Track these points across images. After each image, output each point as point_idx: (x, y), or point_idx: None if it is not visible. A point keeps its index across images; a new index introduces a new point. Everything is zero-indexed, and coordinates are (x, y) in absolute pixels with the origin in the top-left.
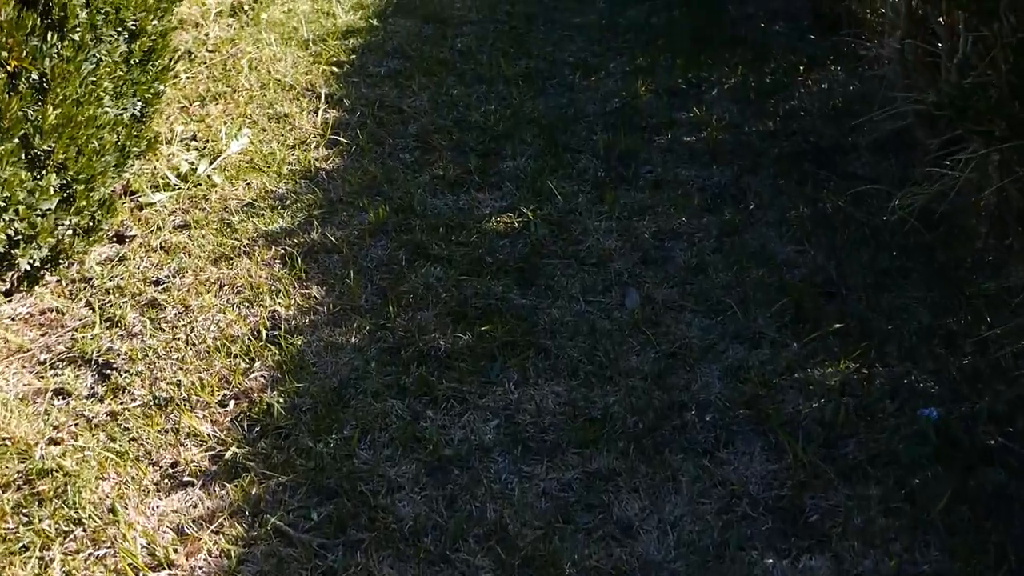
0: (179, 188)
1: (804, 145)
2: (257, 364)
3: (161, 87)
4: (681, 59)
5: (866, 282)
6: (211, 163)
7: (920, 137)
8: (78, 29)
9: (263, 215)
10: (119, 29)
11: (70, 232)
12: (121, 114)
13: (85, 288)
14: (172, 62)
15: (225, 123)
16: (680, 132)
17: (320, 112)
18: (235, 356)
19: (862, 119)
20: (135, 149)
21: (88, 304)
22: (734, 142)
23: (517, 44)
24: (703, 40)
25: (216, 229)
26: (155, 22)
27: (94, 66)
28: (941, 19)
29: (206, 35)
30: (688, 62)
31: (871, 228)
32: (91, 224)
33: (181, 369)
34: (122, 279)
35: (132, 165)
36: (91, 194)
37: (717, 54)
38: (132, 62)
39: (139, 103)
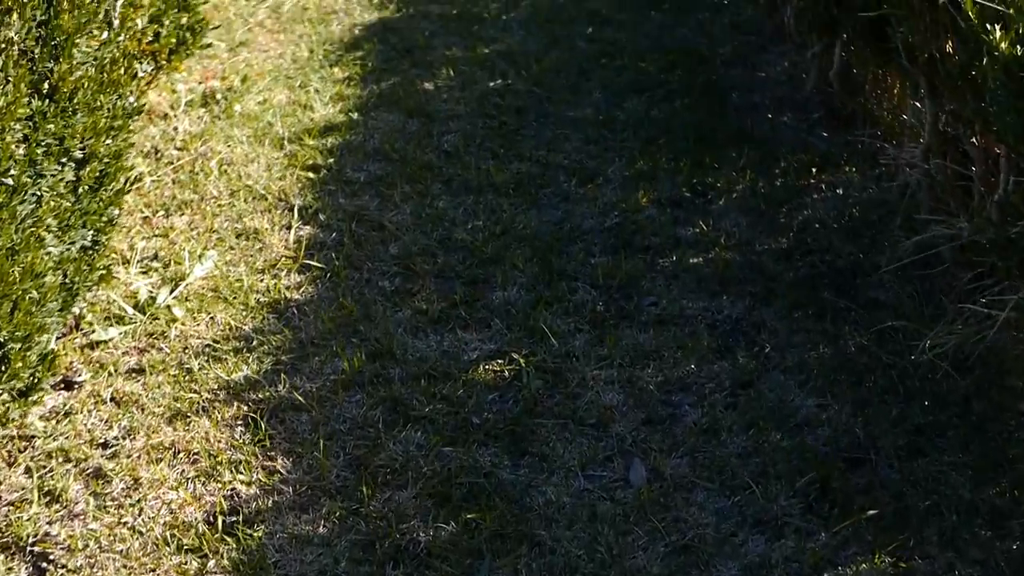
0: (136, 321)
1: (820, 266)
2: (211, 563)
3: (115, 211)
4: (684, 161)
5: (897, 444)
6: (172, 291)
7: (950, 264)
8: (12, 171)
9: (226, 360)
10: (64, 160)
11: (5, 396)
12: (68, 249)
13: (26, 449)
14: (128, 183)
15: (191, 239)
16: (686, 253)
17: (293, 228)
18: (187, 551)
19: (883, 234)
20: (86, 283)
21: (28, 471)
22: (744, 264)
23: (508, 143)
24: (707, 137)
25: (174, 376)
26: (108, 142)
27: (34, 205)
28: (975, 140)
29: (175, 129)
30: (692, 165)
31: (899, 372)
32: (30, 384)
33: (124, 567)
34: (67, 439)
35: (83, 299)
36: (28, 354)
37: (722, 153)
38: (81, 191)
39: (90, 233)
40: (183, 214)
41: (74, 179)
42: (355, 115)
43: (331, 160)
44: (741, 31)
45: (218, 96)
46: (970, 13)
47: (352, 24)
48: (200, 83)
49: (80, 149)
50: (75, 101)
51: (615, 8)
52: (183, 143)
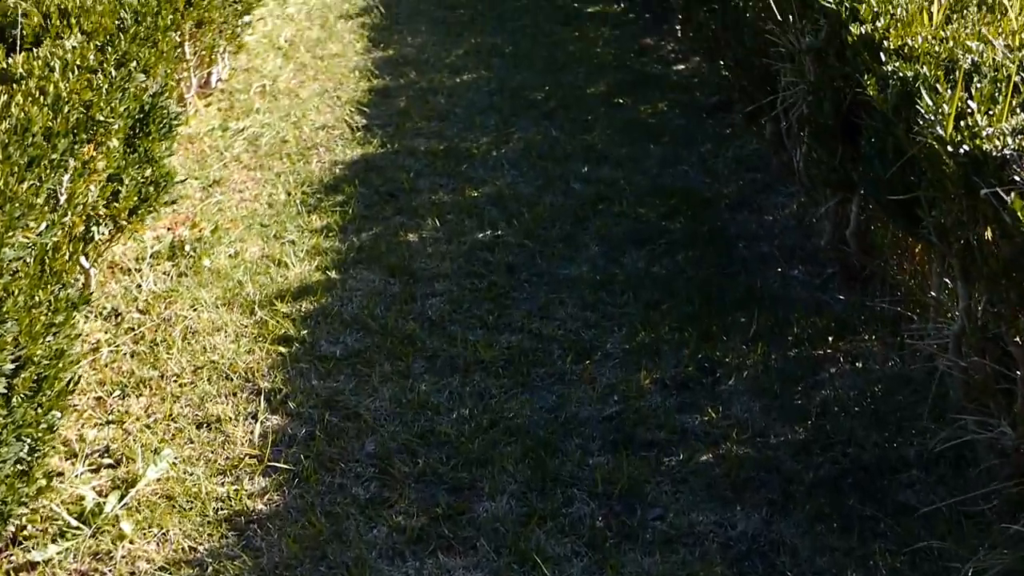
0: (80, 533)
1: (843, 461)
2: None
3: (58, 415)
4: (690, 331)
5: None
6: (122, 498)
7: (989, 467)
8: None
9: None
10: None
11: None
12: (0, 467)
13: None
14: (71, 383)
15: (147, 428)
16: (694, 449)
17: (259, 418)
18: None
19: (910, 420)
20: (22, 501)
21: None
22: (759, 462)
23: (498, 309)
24: (714, 298)
25: None
26: (49, 339)
27: None
28: (1019, 339)
29: (138, 287)
30: (698, 336)
31: None
32: None
33: None
34: None
35: (18, 516)
36: None
37: (731, 318)
38: (14, 401)
39: (27, 444)
40: (140, 395)
41: (5, 390)
42: (332, 273)
43: (304, 331)
44: (746, 167)
45: (187, 247)
46: (1020, 214)
47: (333, 161)
48: (169, 229)
49: (13, 360)
50: (4, 309)
51: (612, 142)
52: (146, 305)
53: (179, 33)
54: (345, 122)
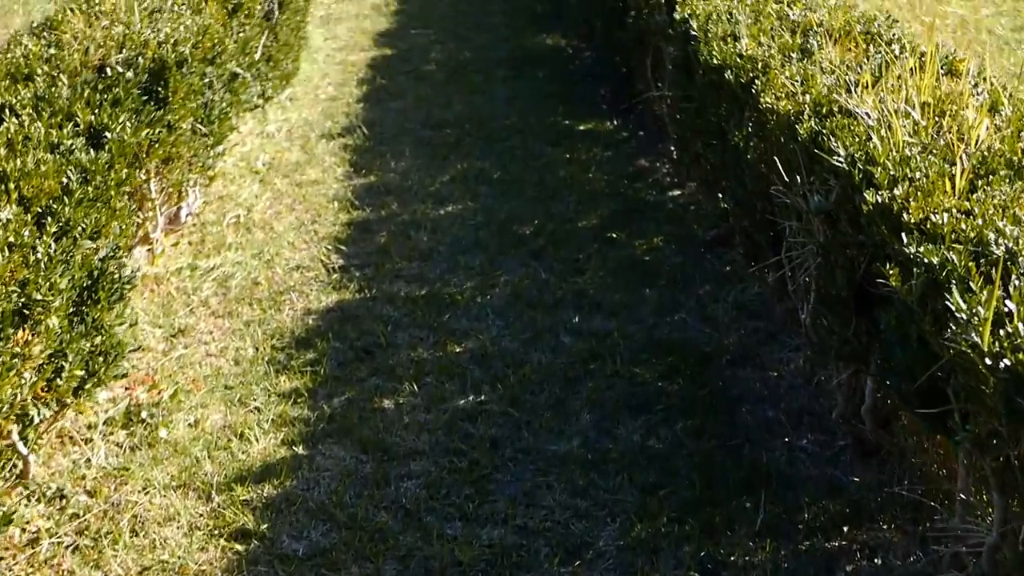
0: None
1: None
2: None
3: None
4: (691, 523)
5: None
6: None
7: None
8: None
9: None
10: None
11: None
12: None
13: None
14: None
15: None
16: None
17: None
18: None
19: None
20: None
21: None
22: None
23: (479, 495)
24: (716, 479)
25: None
26: None
27: None
28: None
29: (87, 461)
30: (700, 530)
31: None
32: None
33: None
34: None
35: None
36: None
37: (735, 504)
38: None
39: None
40: None
41: None
42: (299, 449)
43: (264, 524)
44: (747, 314)
45: (143, 413)
46: None
47: (306, 309)
48: (126, 389)
49: None
50: None
51: (605, 285)
52: (94, 486)
53: (143, 172)
54: (321, 262)
